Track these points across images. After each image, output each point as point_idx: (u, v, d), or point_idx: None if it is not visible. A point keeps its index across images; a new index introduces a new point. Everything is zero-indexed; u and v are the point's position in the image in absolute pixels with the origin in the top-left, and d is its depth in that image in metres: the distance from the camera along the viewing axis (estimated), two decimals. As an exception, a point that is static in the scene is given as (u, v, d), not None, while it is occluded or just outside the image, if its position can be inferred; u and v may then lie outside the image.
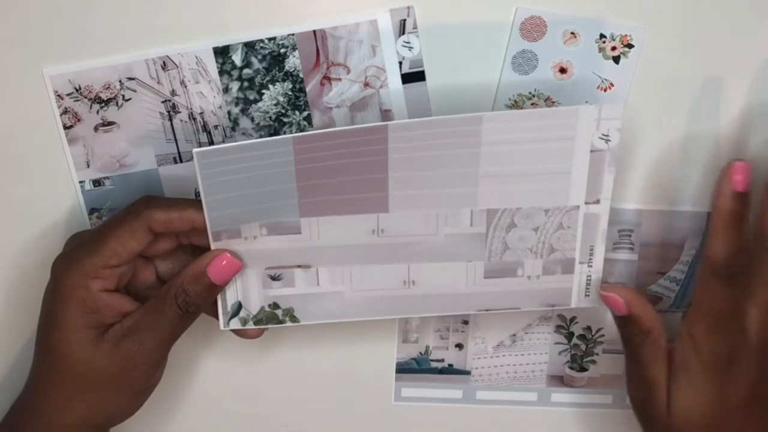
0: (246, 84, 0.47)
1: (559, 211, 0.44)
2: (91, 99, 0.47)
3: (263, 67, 0.47)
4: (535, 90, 0.47)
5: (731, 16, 0.46)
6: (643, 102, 0.47)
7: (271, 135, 0.48)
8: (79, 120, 0.47)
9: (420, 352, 0.52)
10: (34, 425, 0.43)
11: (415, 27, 0.46)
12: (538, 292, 0.46)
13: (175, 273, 0.44)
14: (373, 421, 0.53)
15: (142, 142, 0.48)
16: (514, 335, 0.51)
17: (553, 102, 0.47)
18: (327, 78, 0.47)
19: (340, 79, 0.47)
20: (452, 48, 0.46)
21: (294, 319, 0.46)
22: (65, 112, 0.47)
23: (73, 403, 0.43)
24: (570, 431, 0.53)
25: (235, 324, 0.46)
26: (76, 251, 0.43)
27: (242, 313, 0.45)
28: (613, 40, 0.46)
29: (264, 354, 0.52)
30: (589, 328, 0.51)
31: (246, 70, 0.47)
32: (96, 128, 0.47)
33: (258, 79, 0.47)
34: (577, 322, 0.51)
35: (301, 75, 0.47)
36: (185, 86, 0.47)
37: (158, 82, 0.47)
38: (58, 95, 0.47)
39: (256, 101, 0.47)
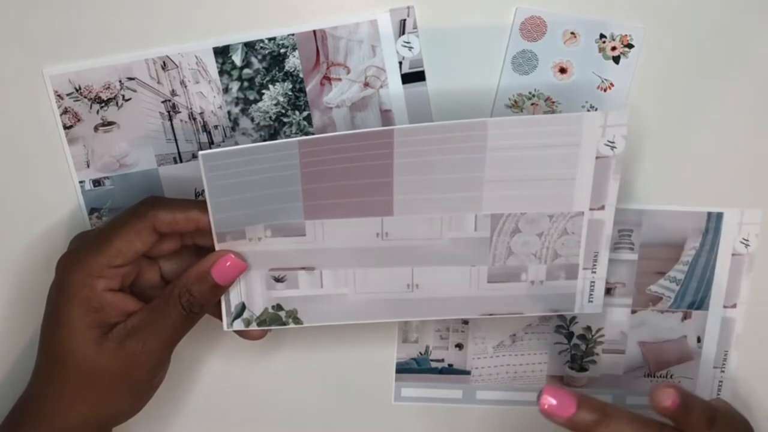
0: (246, 84, 0.47)
1: (564, 217, 0.44)
2: (91, 99, 0.47)
3: (263, 67, 0.47)
4: (535, 90, 0.47)
5: (731, 16, 0.46)
6: (643, 102, 0.47)
7: (271, 135, 0.48)
8: (79, 120, 0.47)
9: (420, 352, 0.52)
10: (36, 423, 0.43)
11: (415, 27, 0.46)
12: (542, 298, 0.46)
13: (180, 273, 0.44)
14: (373, 421, 0.53)
15: (142, 142, 0.48)
16: (514, 335, 0.51)
17: (553, 102, 0.47)
18: (327, 78, 0.47)
19: (340, 79, 0.47)
20: (452, 48, 0.46)
21: (297, 320, 0.46)
22: (65, 112, 0.47)
23: (76, 401, 0.43)
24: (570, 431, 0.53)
25: (239, 325, 0.46)
26: (81, 250, 0.43)
27: (246, 314, 0.45)
28: (613, 40, 0.46)
29: (264, 354, 0.52)
30: (589, 328, 0.51)
31: (246, 70, 0.47)
32: (96, 128, 0.47)
33: (258, 79, 0.47)
34: (577, 323, 0.51)
35: (301, 75, 0.47)
36: (185, 86, 0.47)
37: (158, 82, 0.47)
38: (58, 95, 0.47)
39: (256, 101, 0.47)
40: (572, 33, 0.46)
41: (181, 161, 0.48)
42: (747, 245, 0.49)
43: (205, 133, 0.48)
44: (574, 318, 0.51)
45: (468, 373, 0.52)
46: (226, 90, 0.47)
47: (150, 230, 0.42)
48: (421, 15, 0.46)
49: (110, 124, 0.47)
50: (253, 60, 0.47)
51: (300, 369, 0.52)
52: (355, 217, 0.43)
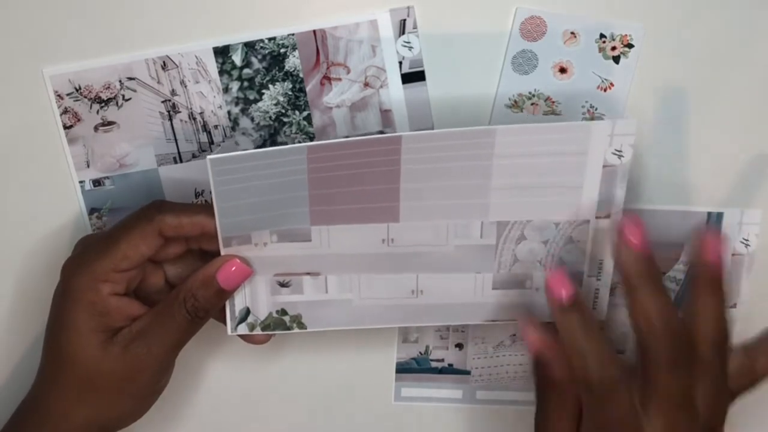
0: (246, 84, 0.47)
1: (570, 225, 0.44)
2: (91, 99, 0.47)
3: (263, 67, 0.47)
4: (535, 90, 0.47)
5: (731, 16, 0.46)
6: (643, 102, 0.47)
7: (271, 135, 0.48)
8: (79, 120, 0.47)
9: (420, 352, 0.52)
10: (40, 426, 0.43)
11: (415, 27, 0.46)
12: (546, 305, 0.46)
13: (184, 277, 0.44)
14: (373, 421, 0.53)
15: (142, 142, 0.48)
16: (514, 335, 0.51)
17: (553, 102, 0.47)
18: (327, 78, 0.47)
19: (340, 79, 0.47)
20: (452, 48, 0.46)
21: (301, 325, 0.46)
22: (65, 112, 0.47)
23: (79, 405, 0.43)
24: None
25: (243, 329, 0.46)
26: (87, 254, 0.43)
27: (250, 319, 0.45)
28: (613, 40, 0.46)
29: (265, 355, 0.52)
30: (589, 328, 0.51)
31: (246, 70, 0.47)
32: (96, 128, 0.47)
33: (258, 79, 0.47)
34: (577, 322, 0.51)
35: (301, 75, 0.47)
36: (185, 86, 0.47)
37: (158, 82, 0.47)
38: (58, 95, 0.47)
39: (256, 101, 0.47)
40: (572, 33, 0.46)
41: (181, 161, 0.48)
42: (747, 245, 0.49)
43: (205, 133, 0.48)
44: (574, 318, 0.51)
45: (468, 373, 0.52)
46: (226, 90, 0.47)
47: (156, 234, 0.42)
48: (421, 15, 0.46)
49: (110, 124, 0.47)
50: (253, 60, 0.47)
51: (300, 369, 0.52)
52: (361, 223, 0.43)
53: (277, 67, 0.47)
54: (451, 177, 0.42)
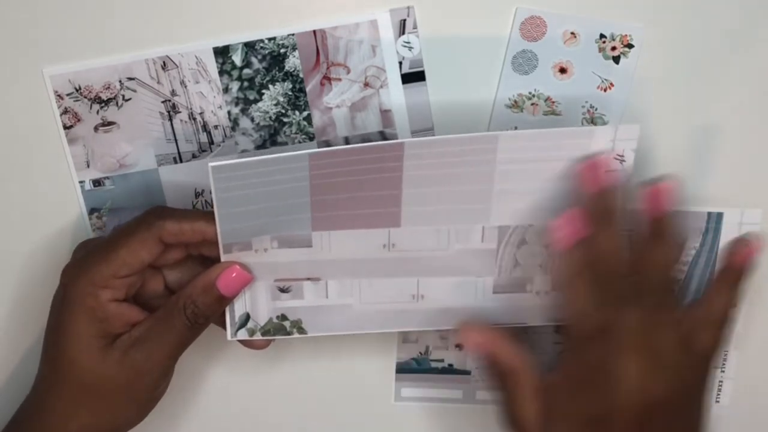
0: (246, 84, 0.47)
1: None
2: (91, 99, 0.47)
3: (263, 67, 0.47)
4: (535, 90, 0.47)
5: (731, 16, 0.46)
6: (643, 102, 0.47)
7: (271, 135, 0.48)
8: (79, 120, 0.47)
9: (420, 352, 0.52)
10: (38, 431, 0.43)
11: (415, 27, 0.46)
12: (547, 308, 0.46)
13: (184, 283, 0.44)
14: (373, 421, 0.53)
15: (142, 143, 0.48)
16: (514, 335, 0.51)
17: (553, 102, 0.47)
18: (327, 78, 0.47)
19: (340, 79, 0.47)
20: (452, 48, 0.46)
21: (302, 330, 0.46)
22: (65, 112, 0.47)
23: (78, 411, 0.43)
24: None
25: (243, 335, 0.45)
26: (86, 260, 0.43)
27: (250, 324, 0.45)
28: (613, 40, 0.46)
29: (266, 357, 0.52)
30: (589, 328, 0.51)
31: (246, 70, 0.47)
32: (96, 128, 0.47)
33: (258, 79, 0.47)
34: (577, 322, 0.51)
35: (301, 75, 0.47)
36: (185, 86, 0.47)
37: (158, 82, 0.47)
38: (58, 95, 0.47)
39: (256, 101, 0.47)
40: (572, 33, 0.46)
41: (181, 161, 0.48)
42: None
43: (205, 133, 0.48)
44: (574, 318, 0.51)
45: (468, 373, 0.52)
46: (226, 90, 0.47)
47: (156, 241, 0.42)
48: (421, 15, 0.46)
49: (110, 124, 0.47)
50: (253, 60, 0.47)
51: (300, 369, 0.52)
52: (363, 228, 0.43)
53: (277, 68, 0.47)
54: (453, 182, 0.42)
